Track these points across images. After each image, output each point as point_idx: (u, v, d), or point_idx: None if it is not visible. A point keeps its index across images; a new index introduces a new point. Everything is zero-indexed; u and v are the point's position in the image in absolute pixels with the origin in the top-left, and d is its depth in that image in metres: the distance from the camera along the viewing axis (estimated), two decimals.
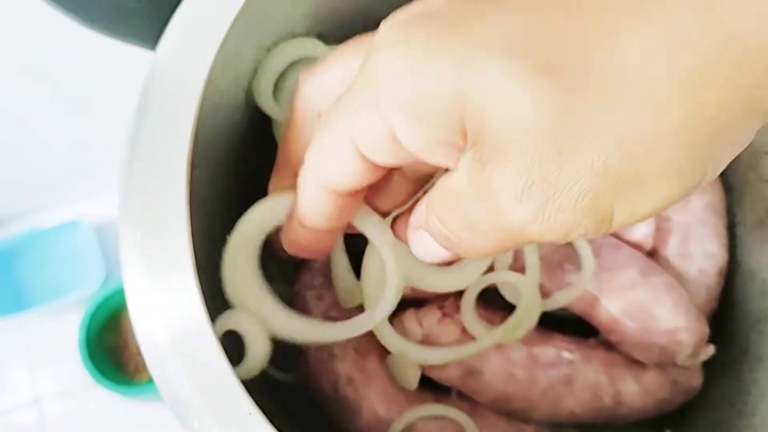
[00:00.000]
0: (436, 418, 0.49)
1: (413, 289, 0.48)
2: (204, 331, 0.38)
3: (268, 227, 0.51)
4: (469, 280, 0.47)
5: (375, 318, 0.44)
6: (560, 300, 0.49)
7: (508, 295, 0.50)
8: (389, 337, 0.47)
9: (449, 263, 0.48)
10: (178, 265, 0.38)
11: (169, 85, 0.38)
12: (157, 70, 0.39)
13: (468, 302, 0.49)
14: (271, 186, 0.53)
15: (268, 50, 0.48)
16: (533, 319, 0.48)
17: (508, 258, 0.49)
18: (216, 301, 0.47)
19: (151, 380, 1.38)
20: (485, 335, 0.48)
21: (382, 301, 0.45)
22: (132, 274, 0.38)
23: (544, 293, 0.50)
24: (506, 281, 0.49)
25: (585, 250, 0.48)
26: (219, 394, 0.37)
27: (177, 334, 0.37)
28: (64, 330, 1.42)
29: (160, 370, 0.38)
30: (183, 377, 0.37)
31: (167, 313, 0.38)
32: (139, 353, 1.42)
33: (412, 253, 0.45)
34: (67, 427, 1.44)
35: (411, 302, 0.51)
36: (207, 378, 0.37)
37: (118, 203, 0.37)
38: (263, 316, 0.50)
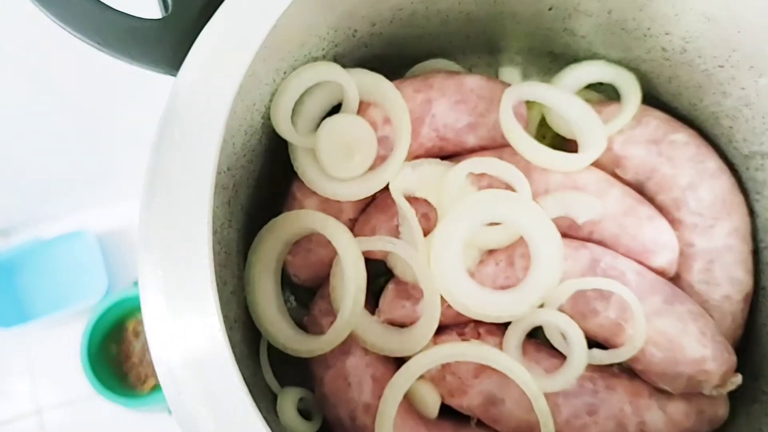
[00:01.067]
0: None
1: (457, 314, 0.47)
2: (223, 357, 0.36)
3: (285, 238, 0.50)
4: (522, 309, 0.47)
5: (341, 322, 0.47)
6: (608, 357, 0.48)
7: (555, 340, 0.49)
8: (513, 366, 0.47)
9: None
10: (200, 291, 0.37)
11: (192, 112, 0.37)
12: (179, 97, 0.38)
13: (513, 338, 0.48)
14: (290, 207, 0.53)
15: (286, 74, 0.47)
16: (581, 370, 0.47)
17: (562, 297, 0.48)
18: (232, 329, 0.47)
19: (152, 391, 1.37)
20: (527, 379, 0.46)
21: (342, 308, 0.47)
22: (151, 297, 0.37)
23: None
24: (554, 324, 0.48)
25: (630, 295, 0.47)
26: (239, 428, 0.36)
27: (195, 360, 0.36)
28: (66, 340, 1.41)
29: (175, 396, 0.37)
30: (200, 405, 0.36)
31: (186, 338, 0.36)
32: (140, 364, 1.41)
33: (466, 281, 0.46)
34: None
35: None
36: (225, 410, 0.36)
37: (139, 228, 0.36)
38: (282, 337, 0.49)
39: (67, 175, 1.43)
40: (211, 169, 0.36)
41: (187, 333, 0.35)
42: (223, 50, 0.39)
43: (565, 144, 0.54)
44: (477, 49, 0.57)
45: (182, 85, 0.39)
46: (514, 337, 0.48)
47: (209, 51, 0.39)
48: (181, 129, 0.37)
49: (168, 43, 0.45)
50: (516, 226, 0.48)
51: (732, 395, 0.49)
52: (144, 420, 1.40)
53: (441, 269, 0.47)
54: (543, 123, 0.56)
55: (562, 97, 0.51)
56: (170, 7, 0.46)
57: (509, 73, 0.58)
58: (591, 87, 0.55)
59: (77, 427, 1.44)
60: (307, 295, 0.57)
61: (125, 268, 1.46)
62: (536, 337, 0.50)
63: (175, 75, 0.46)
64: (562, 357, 0.48)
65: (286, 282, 0.53)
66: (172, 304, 0.35)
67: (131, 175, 1.45)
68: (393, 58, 0.54)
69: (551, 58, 0.57)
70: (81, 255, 1.44)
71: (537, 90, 0.51)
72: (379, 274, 0.54)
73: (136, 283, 1.43)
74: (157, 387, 1.39)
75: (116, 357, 1.42)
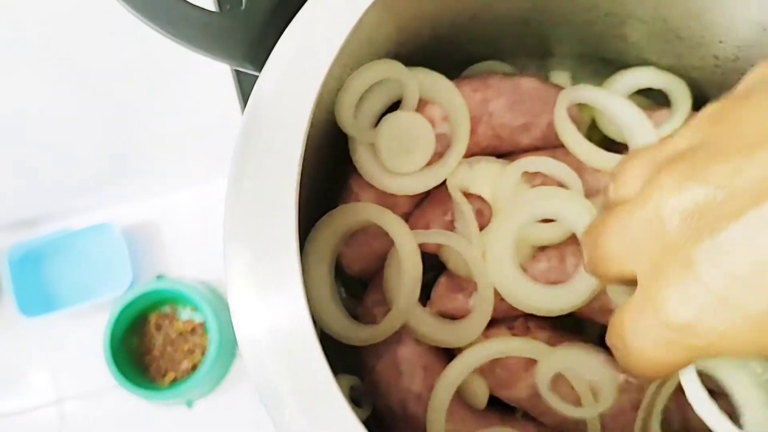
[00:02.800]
0: None
1: (510, 307, 0.49)
2: (308, 335, 0.38)
3: (342, 229, 0.52)
4: (572, 303, 0.48)
5: (395, 312, 0.48)
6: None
7: None
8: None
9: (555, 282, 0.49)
10: (287, 275, 0.38)
11: (277, 109, 0.39)
12: (265, 95, 0.40)
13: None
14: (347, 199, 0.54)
15: (351, 70, 0.49)
16: None
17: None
18: None
19: (171, 384, 1.39)
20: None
21: (398, 298, 0.49)
22: (238, 282, 0.39)
23: None
24: None
25: None
26: (317, 396, 0.37)
27: (281, 339, 0.38)
28: (89, 332, 1.42)
29: (259, 372, 0.38)
30: (283, 380, 0.38)
31: (273, 318, 0.38)
32: (161, 357, 1.43)
33: (519, 275, 0.48)
34: (88, 427, 1.45)
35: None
36: (306, 379, 0.37)
37: (225, 221, 0.38)
38: (336, 325, 0.51)
39: (96, 168, 1.46)
40: (297, 164, 0.38)
41: (275, 313, 0.37)
42: (307, 50, 0.41)
43: (613, 146, 0.55)
44: (529, 52, 0.59)
45: (267, 84, 0.41)
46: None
47: (293, 50, 0.41)
48: (269, 126, 0.39)
49: (242, 37, 0.47)
50: (567, 222, 0.50)
51: None
52: (163, 413, 1.41)
53: (495, 263, 0.49)
54: (592, 126, 0.57)
55: (615, 100, 0.53)
56: (244, 2, 0.48)
57: (560, 76, 0.60)
58: (640, 92, 0.56)
59: (96, 418, 1.45)
60: (356, 287, 0.58)
61: (149, 262, 1.48)
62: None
63: (248, 68, 0.48)
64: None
65: (337, 274, 0.55)
66: (259, 287, 0.37)
67: (159, 170, 1.48)
68: (449, 58, 0.56)
69: (602, 62, 0.59)
70: (106, 248, 1.46)
71: (590, 93, 0.53)
72: (428, 268, 0.55)
73: (159, 277, 1.45)
74: (176, 381, 1.41)
75: (137, 349, 1.44)
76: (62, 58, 1.26)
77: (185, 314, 1.43)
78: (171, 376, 1.41)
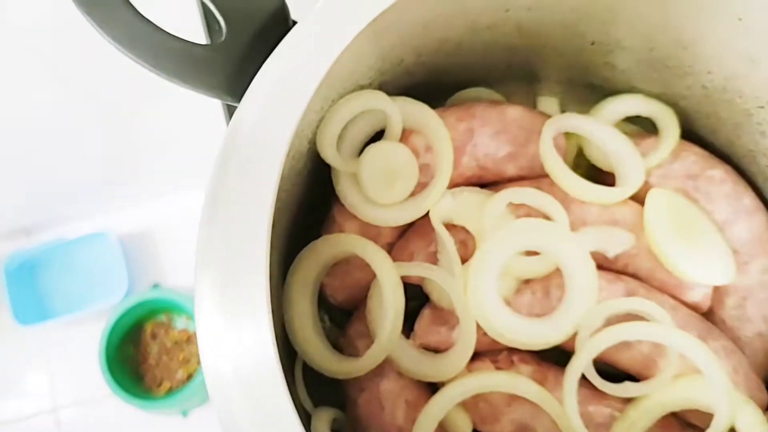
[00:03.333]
0: None
1: (494, 340, 0.48)
2: (275, 375, 0.38)
3: (324, 260, 0.51)
4: (555, 337, 0.47)
5: (378, 346, 0.48)
6: (640, 390, 0.48)
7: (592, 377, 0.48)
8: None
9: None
10: (255, 307, 0.38)
11: (254, 142, 0.39)
12: (242, 127, 0.39)
13: (571, 384, 0.47)
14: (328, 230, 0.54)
15: (333, 101, 0.48)
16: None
17: (598, 320, 0.48)
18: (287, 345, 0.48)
19: (167, 394, 1.38)
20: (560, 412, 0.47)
21: (380, 332, 0.48)
22: (206, 309, 0.39)
23: None
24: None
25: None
26: None
27: (246, 376, 0.37)
28: (84, 340, 1.42)
29: (224, 406, 0.38)
30: (247, 416, 0.37)
31: (238, 351, 0.38)
32: (156, 366, 1.42)
33: (498, 307, 0.47)
34: None
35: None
36: (273, 421, 0.37)
37: (198, 245, 0.38)
38: (318, 357, 0.50)
39: (91, 176, 1.45)
40: (272, 195, 0.38)
41: (240, 346, 0.37)
42: (287, 83, 0.40)
43: (601, 175, 0.55)
44: (516, 77, 0.58)
45: (245, 116, 0.40)
46: (573, 374, 0.48)
47: (273, 83, 0.41)
48: (246, 157, 0.39)
49: (221, 68, 0.46)
50: (552, 255, 0.49)
51: None
52: (158, 422, 1.41)
53: (477, 296, 0.48)
54: (579, 154, 0.57)
55: (602, 129, 0.52)
56: (224, 33, 0.47)
57: (548, 102, 0.59)
58: (628, 120, 0.56)
59: (92, 427, 1.45)
60: (341, 315, 0.58)
61: (145, 271, 1.48)
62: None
63: (227, 100, 0.47)
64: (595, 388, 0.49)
65: (321, 302, 0.54)
66: (227, 317, 0.37)
67: (154, 179, 1.47)
68: (435, 85, 0.55)
69: (590, 89, 0.58)
70: (102, 256, 1.46)
71: (577, 122, 0.52)
72: (412, 297, 0.54)
73: (155, 286, 1.45)
74: (171, 390, 1.40)
75: (133, 358, 1.44)
76: (57, 69, 1.26)
77: (181, 323, 1.43)
78: (166, 385, 1.41)
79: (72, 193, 1.48)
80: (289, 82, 0.40)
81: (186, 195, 1.43)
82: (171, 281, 1.46)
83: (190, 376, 1.40)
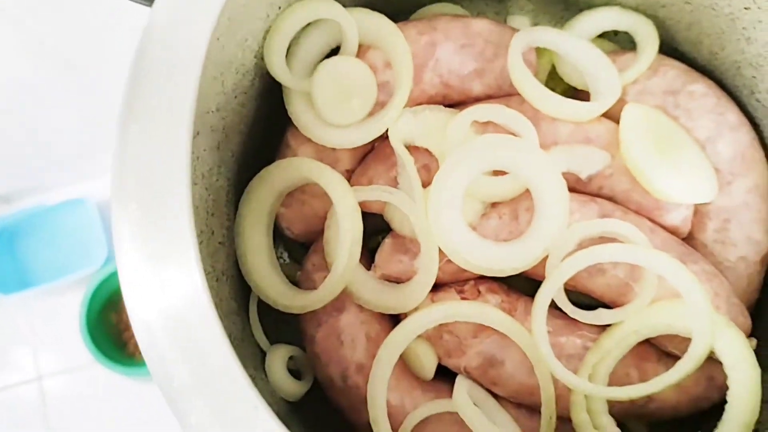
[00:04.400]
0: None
1: (459, 269, 0.45)
2: (206, 314, 0.34)
3: (278, 188, 0.48)
4: (525, 262, 0.44)
5: (334, 276, 0.45)
6: (615, 317, 0.45)
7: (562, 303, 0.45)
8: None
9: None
10: (178, 242, 0.34)
11: (169, 42, 0.34)
12: (155, 27, 0.35)
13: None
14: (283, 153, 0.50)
15: (280, 9, 0.44)
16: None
17: (570, 244, 0.44)
18: (219, 282, 0.44)
19: None
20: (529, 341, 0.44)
21: (337, 261, 0.45)
22: (126, 252, 0.35)
23: None
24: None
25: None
26: (221, 386, 0.33)
27: (176, 319, 0.34)
28: (66, 308, 1.40)
29: (155, 357, 0.35)
30: (180, 366, 0.34)
31: (165, 294, 0.34)
32: None
33: (462, 230, 0.44)
34: (68, 403, 1.43)
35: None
36: (208, 368, 0.34)
37: (111, 173, 0.34)
38: (273, 292, 0.47)
39: (70, 144, 1.41)
40: (191, 105, 0.34)
41: (166, 285, 0.33)
42: None
43: (577, 95, 0.51)
44: None
45: (159, 13, 0.36)
46: (543, 299, 0.44)
47: None
48: (159, 61, 0.35)
49: None
50: (520, 174, 0.45)
51: None
52: (143, 388, 1.39)
53: (439, 219, 0.44)
54: (553, 75, 0.53)
55: (574, 42, 0.48)
56: None
57: (518, 20, 0.55)
58: (605, 37, 0.52)
59: (77, 395, 1.43)
60: (301, 251, 0.54)
61: None
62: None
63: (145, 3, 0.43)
64: (567, 318, 0.46)
65: (279, 237, 0.51)
66: (149, 255, 0.33)
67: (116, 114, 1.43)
68: (396, 2, 0.51)
69: (564, 5, 0.54)
70: (82, 223, 1.43)
71: (548, 35, 0.48)
72: (378, 231, 0.51)
73: None
74: None
75: (115, 326, 1.41)
76: (35, 36, 1.21)
77: None
78: None
79: (51, 160, 1.45)
80: None
81: None
82: None
83: None
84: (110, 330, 1.39)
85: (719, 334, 0.41)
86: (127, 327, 1.40)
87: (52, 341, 1.45)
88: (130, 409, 1.40)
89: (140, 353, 1.36)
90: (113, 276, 1.36)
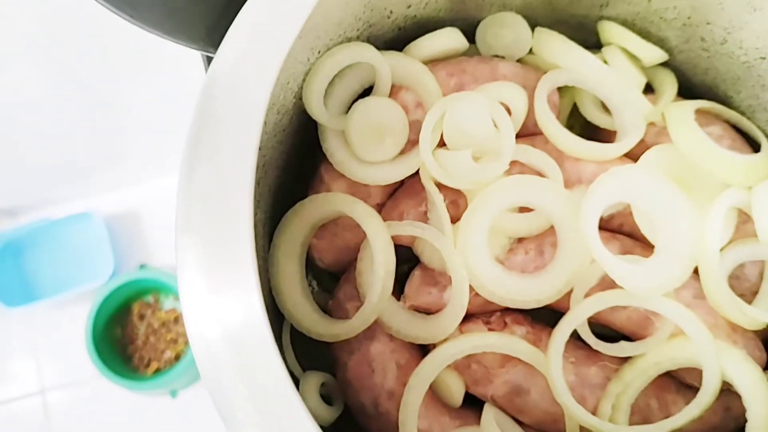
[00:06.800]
0: None
1: (486, 301, 0.47)
2: (265, 339, 0.36)
3: (311, 221, 0.49)
4: (547, 294, 0.46)
5: (368, 307, 0.46)
6: (636, 350, 0.47)
7: (586, 336, 0.47)
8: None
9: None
10: (241, 269, 0.36)
11: (233, 92, 0.36)
12: (220, 76, 0.37)
13: (558, 342, 0.46)
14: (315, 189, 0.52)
15: (320, 53, 0.46)
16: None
17: (593, 279, 0.47)
18: (275, 309, 0.46)
19: (154, 374, 1.37)
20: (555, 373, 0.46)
21: (371, 293, 0.47)
22: (189, 276, 0.37)
23: None
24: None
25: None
26: (276, 408, 0.35)
27: (235, 342, 0.35)
28: (71, 321, 1.40)
29: (212, 374, 0.36)
30: (238, 383, 0.35)
31: (225, 316, 0.36)
32: (144, 347, 1.40)
33: (488, 263, 0.46)
34: (71, 417, 1.43)
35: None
36: (263, 385, 0.35)
37: (177, 208, 0.36)
38: (306, 320, 0.49)
39: (77, 158, 1.42)
40: (254, 149, 0.36)
41: (226, 310, 0.34)
42: (265, 28, 0.38)
43: (597, 132, 0.53)
44: None
45: (222, 64, 0.38)
46: (562, 334, 0.46)
47: (250, 29, 0.39)
48: (223, 108, 0.37)
49: (202, 18, 0.44)
50: (546, 212, 0.47)
51: None
52: (146, 402, 1.39)
53: (467, 254, 0.47)
54: (573, 114, 0.55)
55: (600, 72, 0.50)
56: None
57: None
58: None
59: (80, 408, 1.44)
60: (329, 280, 0.56)
61: (131, 252, 1.46)
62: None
63: (208, 51, 0.45)
64: (590, 349, 0.48)
65: (309, 266, 0.53)
66: (212, 282, 0.35)
67: (139, 159, 1.45)
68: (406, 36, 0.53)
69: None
70: (88, 237, 1.44)
71: (572, 75, 0.51)
72: (402, 261, 0.53)
73: (142, 266, 1.43)
74: (159, 371, 1.39)
75: (121, 339, 1.42)
76: (43, 49, 1.23)
77: (168, 303, 1.41)
78: (154, 366, 1.39)
79: (57, 174, 1.46)
80: (268, 28, 0.38)
81: (171, 175, 1.41)
82: (157, 261, 1.44)
83: (177, 357, 1.38)
84: (115, 344, 1.40)
85: (735, 368, 0.44)
86: (132, 341, 1.41)
87: (56, 354, 1.46)
88: (133, 423, 1.41)
89: (144, 368, 1.36)
90: (119, 290, 1.37)
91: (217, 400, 0.34)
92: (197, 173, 0.36)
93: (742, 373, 0.43)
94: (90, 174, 1.46)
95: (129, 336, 1.42)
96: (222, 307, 0.35)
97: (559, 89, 0.53)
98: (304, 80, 0.47)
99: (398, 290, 0.52)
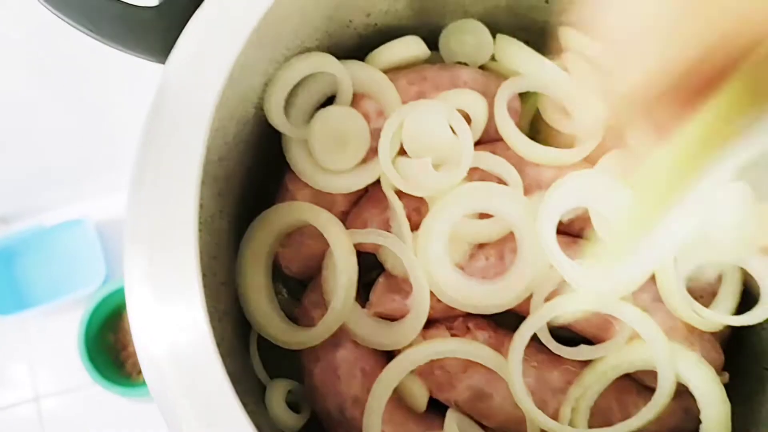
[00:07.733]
0: None
1: (449, 307, 0.48)
2: (208, 350, 0.36)
3: (277, 230, 0.50)
4: (508, 299, 0.47)
5: (332, 314, 0.47)
6: (596, 353, 0.48)
7: (545, 340, 0.48)
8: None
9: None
10: (185, 283, 0.37)
11: (180, 101, 0.37)
12: (168, 86, 0.38)
13: (517, 346, 0.46)
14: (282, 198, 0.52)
15: (279, 64, 0.47)
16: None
17: (552, 284, 0.47)
18: (222, 321, 0.47)
19: None
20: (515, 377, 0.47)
21: (334, 300, 0.47)
22: (136, 289, 0.38)
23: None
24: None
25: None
26: (223, 423, 0.36)
27: (180, 354, 0.36)
28: (64, 328, 1.41)
29: (158, 387, 0.37)
30: (183, 399, 0.36)
31: (171, 330, 0.37)
32: (137, 354, 1.41)
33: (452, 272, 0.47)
34: (65, 424, 1.44)
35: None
36: (209, 402, 0.36)
37: (126, 219, 0.37)
38: (272, 328, 0.49)
39: (68, 164, 1.43)
40: (199, 159, 0.36)
41: (173, 324, 0.35)
42: (214, 37, 0.39)
43: (560, 137, 0.54)
44: None
45: (171, 73, 0.38)
46: (521, 339, 0.47)
47: (199, 38, 0.39)
48: (171, 118, 0.37)
49: (161, 31, 0.45)
50: (505, 219, 0.48)
51: None
52: (140, 409, 1.40)
53: (427, 261, 0.47)
54: (537, 119, 0.56)
55: (558, 75, 0.51)
56: None
57: None
58: None
59: (74, 415, 1.44)
60: (298, 287, 0.57)
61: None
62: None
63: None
64: (552, 353, 0.48)
65: (277, 274, 0.53)
66: (157, 296, 0.35)
67: (131, 165, 1.45)
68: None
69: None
70: (80, 243, 1.44)
71: (531, 80, 0.51)
72: (371, 267, 0.53)
73: None
74: None
75: (113, 346, 1.42)
76: (33, 55, 1.23)
77: None
78: None
79: (49, 181, 1.46)
80: (217, 35, 0.38)
81: None
82: None
83: None
84: (108, 350, 1.41)
85: (690, 371, 0.44)
86: (125, 347, 1.41)
87: (49, 361, 1.46)
88: (127, 429, 1.41)
89: (138, 374, 1.37)
90: (111, 296, 1.38)
91: (165, 414, 0.34)
92: (145, 185, 0.37)
93: (697, 375, 0.44)
94: (82, 181, 1.46)
95: (121, 342, 1.43)
96: (168, 323, 0.35)
97: (523, 94, 0.53)
98: (264, 91, 0.47)
99: (365, 297, 0.52)
